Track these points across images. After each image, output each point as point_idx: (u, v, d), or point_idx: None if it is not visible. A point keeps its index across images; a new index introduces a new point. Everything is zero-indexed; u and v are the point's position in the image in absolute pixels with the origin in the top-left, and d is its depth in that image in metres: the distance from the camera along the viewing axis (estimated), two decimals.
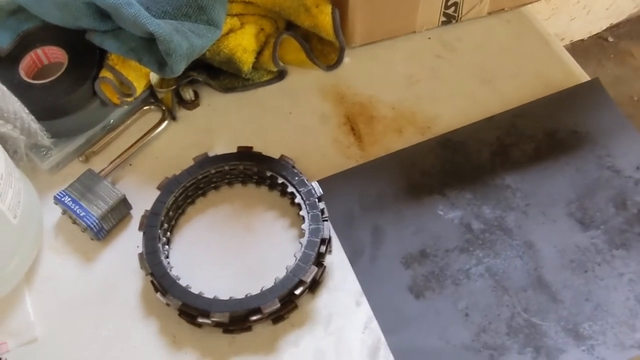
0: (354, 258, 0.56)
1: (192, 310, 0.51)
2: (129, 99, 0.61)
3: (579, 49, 1.76)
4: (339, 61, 0.66)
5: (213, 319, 0.50)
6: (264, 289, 0.51)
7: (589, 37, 1.77)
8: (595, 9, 1.65)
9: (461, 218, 0.57)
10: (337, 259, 0.56)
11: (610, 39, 1.77)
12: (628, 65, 1.73)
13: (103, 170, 0.60)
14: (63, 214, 0.58)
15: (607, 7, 1.67)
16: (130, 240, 0.57)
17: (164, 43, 0.54)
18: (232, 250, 0.57)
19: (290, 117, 0.64)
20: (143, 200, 0.57)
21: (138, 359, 0.52)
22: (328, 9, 0.62)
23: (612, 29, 1.78)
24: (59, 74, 0.59)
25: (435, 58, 0.68)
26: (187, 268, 0.55)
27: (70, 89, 0.59)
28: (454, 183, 0.59)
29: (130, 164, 0.62)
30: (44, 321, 0.54)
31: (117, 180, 0.61)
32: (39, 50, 0.61)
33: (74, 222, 0.58)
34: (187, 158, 0.59)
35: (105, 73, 0.59)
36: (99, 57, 0.60)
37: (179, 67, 0.57)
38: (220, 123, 0.64)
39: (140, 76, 0.61)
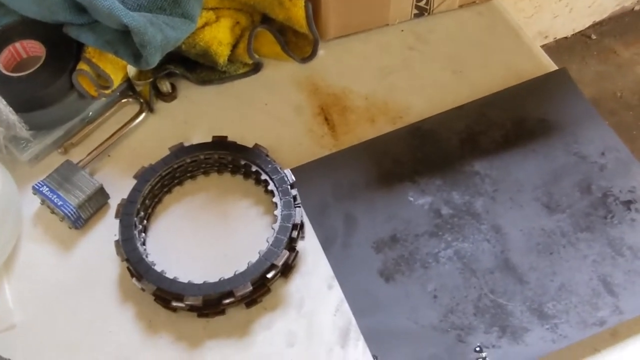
0: (326, 244, 0.57)
1: (166, 294, 0.52)
2: (106, 91, 0.62)
3: (563, 47, 1.78)
4: (313, 53, 0.67)
5: (187, 303, 0.52)
6: (236, 272, 0.53)
7: (573, 34, 1.79)
8: (578, 7, 1.67)
9: (431, 204, 0.59)
10: (310, 245, 0.57)
11: (594, 37, 1.79)
12: (611, 62, 1.75)
13: (81, 161, 0.61)
14: (42, 204, 0.60)
15: (589, 5, 1.69)
16: (108, 229, 0.59)
17: (138, 35, 0.56)
18: (207, 237, 0.58)
19: (265, 108, 0.66)
20: (121, 190, 0.58)
21: (115, 344, 0.53)
22: (301, 2, 0.63)
23: (595, 26, 1.80)
24: (37, 66, 0.61)
25: (408, 50, 0.69)
26: (163, 255, 0.56)
27: (48, 82, 0.60)
28: (425, 170, 0.60)
29: (109, 155, 0.63)
30: (23, 308, 0.55)
31: (95, 171, 0.62)
32: (17, 44, 0.62)
33: (53, 212, 0.59)
34: (164, 149, 0.60)
35: (82, 66, 0.61)
36: (76, 50, 0.62)
37: (154, 59, 0.58)
38: (197, 115, 0.66)
39: (117, 69, 0.62)
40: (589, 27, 1.80)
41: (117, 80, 0.62)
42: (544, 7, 1.58)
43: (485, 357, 0.50)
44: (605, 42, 1.79)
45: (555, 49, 1.77)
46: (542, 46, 1.77)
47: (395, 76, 0.67)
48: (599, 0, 1.69)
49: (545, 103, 0.64)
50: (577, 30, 1.79)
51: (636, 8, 1.83)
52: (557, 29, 1.73)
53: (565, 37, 1.79)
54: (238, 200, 0.60)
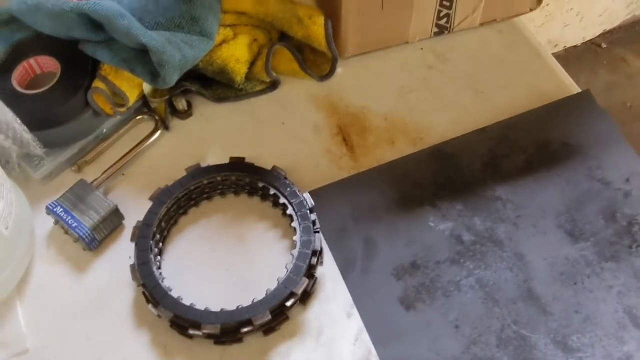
0: (345, 269, 0.56)
1: (183, 322, 0.51)
2: (122, 110, 0.61)
3: (573, 56, 1.77)
4: (331, 72, 0.66)
5: (204, 331, 0.51)
6: (255, 300, 0.52)
7: (583, 43, 1.78)
8: (589, 16, 1.65)
9: (452, 230, 0.57)
10: (329, 271, 0.56)
11: (604, 46, 1.78)
12: (621, 72, 1.74)
13: (96, 180, 0.60)
14: (55, 224, 0.59)
15: (601, 14, 1.68)
16: (122, 251, 0.57)
17: (156, 54, 0.54)
18: (224, 261, 0.57)
19: (283, 127, 0.65)
20: (136, 210, 0.57)
21: None
22: (321, 20, 0.62)
23: (605, 35, 1.79)
24: (52, 84, 0.60)
25: (428, 69, 0.68)
26: (179, 279, 0.55)
27: (63, 100, 0.59)
28: (446, 194, 0.59)
29: (123, 174, 0.62)
30: (36, 332, 0.54)
31: (109, 190, 0.61)
32: (32, 60, 0.61)
33: (66, 233, 0.58)
34: (180, 168, 0.59)
35: (98, 83, 0.59)
36: (91, 68, 0.61)
37: (172, 79, 0.57)
38: (213, 133, 0.65)
39: (133, 86, 0.61)
40: (599, 36, 1.78)
41: (132, 98, 0.61)
42: (555, 16, 1.57)
43: None
44: (615, 51, 1.78)
45: (564, 57, 1.76)
46: (552, 55, 1.76)
47: (415, 95, 0.66)
48: (610, 9, 1.67)
49: (569, 126, 0.63)
50: (587, 39, 1.77)
51: None
52: (567, 37, 1.72)
53: (575, 46, 1.78)
54: (255, 223, 0.59)
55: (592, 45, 1.79)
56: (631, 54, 1.77)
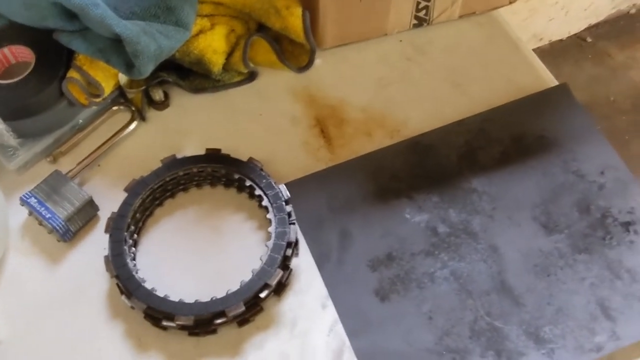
0: (320, 261, 0.56)
1: (157, 313, 0.51)
2: (97, 100, 0.60)
3: (557, 49, 1.77)
4: (309, 63, 0.66)
5: (178, 322, 0.51)
6: (229, 292, 0.52)
7: (568, 37, 1.79)
8: (574, 10, 1.66)
9: (427, 221, 0.58)
10: (304, 262, 0.56)
11: (589, 40, 1.79)
12: (605, 65, 1.75)
13: (71, 171, 0.59)
14: (30, 214, 0.58)
15: (586, 8, 1.69)
16: (97, 242, 0.57)
17: (130, 44, 0.54)
18: (199, 253, 0.57)
19: (260, 118, 0.65)
20: (111, 201, 0.57)
21: None
22: (298, 11, 0.62)
23: (590, 29, 1.80)
24: (26, 73, 0.59)
25: (406, 61, 0.68)
26: (154, 271, 0.55)
27: (38, 89, 0.58)
28: (422, 186, 0.60)
29: (99, 165, 0.62)
30: (9, 323, 0.54)
31: (85, 181, 0.61)
32: (5, 50, 0.61)
33: (41, 224, 0.57)
34: (156, 159, 0.59)
35: (72, 73, 0.59)
36: (66, 57, 0.60)
37: (147, 69, 0.56)
38: (190, 124, 0.64)
39: (108, 76, 0.60)
40: (584, 30, 1.79)
41: (108, 88, 0.61)
42: (539, 10, 1.57)
43: None
44: (600, 45, 1.78)
45: (549, 51, 1.77)
46: (536, 49, 1.76)
47: (393, 88, 0.66)
48: (595, 3, 1.68)
49: (545, 119, 0.63)
50: (572, 33, 1.78)
51: (632, 12, 1.83)
52: (552, 31, 1.72)
53: (560, 40, 1.78)
54: (231, 214, 0.59)
55: (577, 39, 1.80)
56: (615, 48, 1.78)
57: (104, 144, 0.62)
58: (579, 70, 1.74)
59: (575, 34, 1.79)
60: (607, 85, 1.71)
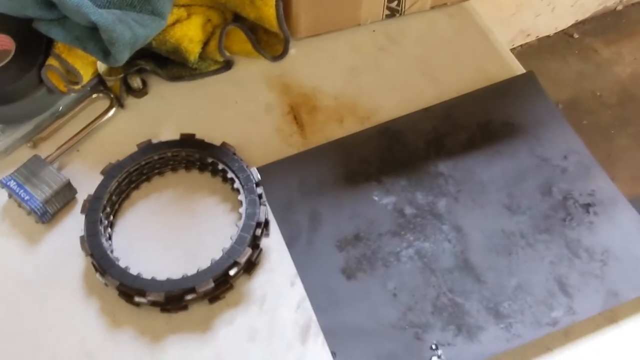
0: (290, 241, 0.58)
1: (129, 290, 0.53)
2: (75, 87, 0.62)
3: (545, 45, 1.79)
4: (284, 52, 0.68)
5: (149, 298, 0.52)
6: (199, 269, 0.53)
7: (555, 33, 1.81)
8: (560, 6, 1.68)
9: (395, 203, 0.60)
10: (275, 242, 0.58)
11: (576, 36, 1.81)
12: (592, 61, 1.77)
13: (50, 155, 0.61)
14: (9, 197, 0.60)
15: (572, 4, 1.71)
16: (74, 224, 0.59)
17: (106, 32, 0.56)
18: (173, 234, 0.59)
19: (235, 106, 0.66)
20: (88, 185, 0.59)
21: (78, 338, 0.54)
22: (272, 1, 0.64)
23: (577, 25, 1.82)
24: (6, 61, 0.61)
25: (379, 51, 0.70)
26: (129, 251, 0.57)
27: (17, 77, 0.60)
28: (390, 170, 0.61)
29: (78, 150, 0.64)
30: None
31: (64, 166, 0.63)
32: None
33: (20, 206, 0.59)
34: (133, 145, 0.60)
35: (51, 61, 0.61)
36: (46, 46, 0.62)
37: (123, 56, 0.58)
38: (167, 111, 0.66)
39: (86, 64, 0.62)
40: (571, 26, 1.81)
41: (86, 76, 0.63)
42: (525, 6, 1.59)
43: (441, 356, 0.52)
44: (586, 41, 1.81)
45: (537, 47, 1.79)
46: (524, 44, 1.78)
47: (365, 76, 0.68)
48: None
49: (511, 106, 0.65)
50: (559, 29, 1.80)
51: (618, 8, 1.85)
52: (539, 27, 1.74)
53: (548, 36, 1.80)
54: (205, 198, 0.61)
55: (564, 35, 1.82)
56: (602, 44, 1.80)
57: (82, 129, 0.64)
58: (565, 66, 1.76)
59: (562, 30, 1.81)
60: (594, 81, 1.73)
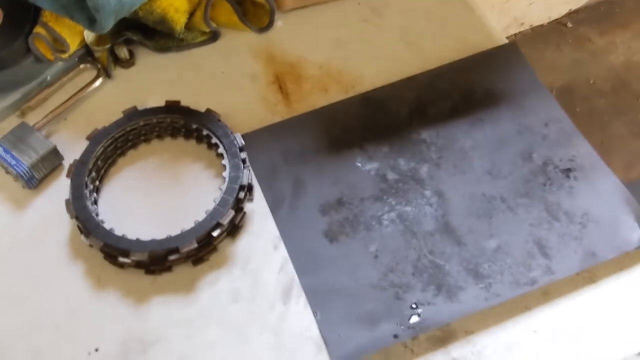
0: (274, 206, 0.59)
1: (113, 250, 0.54)
2: (63, 55, 0.63)
3: (539, 34, 1.80)
4: (270, 23, 0.69)
5: (133, 258, 0.53)
6: (183, 230, 0.54)
7: (549, 22, 1.81)
8: None
9: (377, 169, 0.60)
10: (259, 207, 0.59)
11: (570, 25, 1.81)
12: (586, 49, 1.78)
13: (37, 123, 0.62)
14: None
15: None
16: (61, 190, 0.60)
17: None
18: (158, 199, 0.59)
19: (222, 76, 0.67)
20: (75, 152, 0.59)
21: (64, 298, 0.55)
22: None
23: (571, 15, 1.82)
24: None
25: (363, 22, 0.71)
26: (114, 215, 0.58)
27: (5, 45, 0.61)
28: (373, 138, 0.62)
29: (65, 119, 0.64)
30: None
31: (51, 133, 0.63)
32: None
33: (7, 172, 0.60)
34: (120, 114, 0.61)
35: (39, 29, 0.62)
36: (33, 14, 0.63)
37: (108, 23, 0.59)
38: (154, 81, 0.67)
39: (74, 33, 0.63)
40: (565, 15, 1.82)
41: (73, 44, 0.63)
42: None
43: (420, 314, 0.52)
44: (580, 30, 1.81)
45: (531, 36, 1.79)
46: (518, 33, 1.79)
47: (349, 47, 0.69)
48: None
49: (493, 76, 0.66)
50: (553, 18, 1.81)
51: None
52: (533, 16, 1.75)
53: (542, 25, 1.81)
54: (190, 164, 0.61)
55: (558, 24, 1.82)
56: (595, 33, 1.80)
57: (70, 98, 0.64)
58: (560, 54, 1.76)
59: (556, 20, 1.81)
60: (587, 69, 1.73)
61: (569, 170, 0.60)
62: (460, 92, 0.65)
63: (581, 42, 1.79)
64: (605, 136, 1.61)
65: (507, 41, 0.69)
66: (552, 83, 1.69)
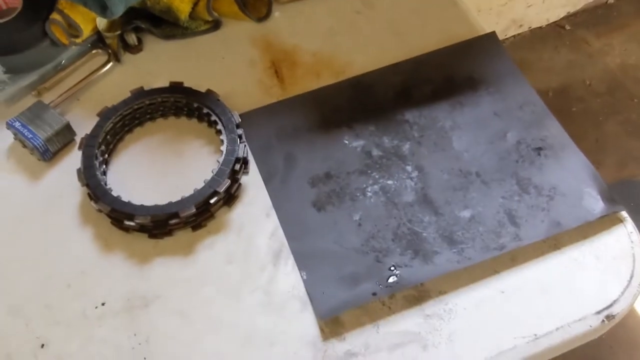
0: (267, 179, 0.64)
1: (119, 214, 0.59)
2: (76, 40, 0.69)
3: (537, 36, 1.85)
4: (268, 14, 0.74)
5: (137, 222, 0.58)
6: (183, 197, 0.59)
7: (547, 25, 1.86)
8: None
9: (363, 146, 0.65)
10: (253, 180, 0.64)
11: (567, 27, 1.86)
12: (583, 51, 1.82)
13: (52, 102, 0.67)
14: (15, 139, 0.66)
15: None
16: (73, 163, 0.65)
17: None
18: (161, 171, 0.65)
19: (222, 61, 0.73)
20: (87, 128, 0.65)
21: (73, 259, 0.60)
22: None
23: (569, 17, 1.87)
24: (14, 15, 0.67)
25: (355, 14, 0.76)
26: (121, 185, 0.63)
27: (23, 29, 0.67)
28: (360, 118, 0.67)
29: (78, 99, 0.70)
30: None
31: (64, 112, 0.69)
32: None
33: (24, 146, 0.66)
34: (128, 94, 0.67)
35: (55, 15, 0.67)
36: (50, 2, 0.68)
37: (118, 9, 0.65)
38: (160, 66, 0.72)
39: (87, 20, 0.69)
40: (563, 18, 1.86)
41: (86, 30, 0.69)
42: None
43: (398, 275, 0.57)
44: (578, 33, 1.86)
45: (529, 38, 1.84)
46: (517, 35, 1.84)
47: (341, 36, 0.74)
48: None
49: (474, 63, 0.71)
50: (551, 21, 1.85)
51: (610, 1, 1.90)
52: (531, 18, 1.79)
53: (540, 27, 1.86)
54: (192, 140, 0.67)
55: (556, 26, 1.87)
56: (593, 36, 1.85)
57: (82, 80, 0.70)
58: (556, 56, 1.81)
59: (554, 22, 1.86)
60: (584, 70, 1.78)
61: (540, 148, 0.64)
62: (442, 77, 0.70)
63: (578, 44, 1.83)
64: (599, 135, 1.66)
65: (487, 31, 0.74)
66: (549, 84, 1.73)
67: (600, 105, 1.72)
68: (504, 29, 1.77)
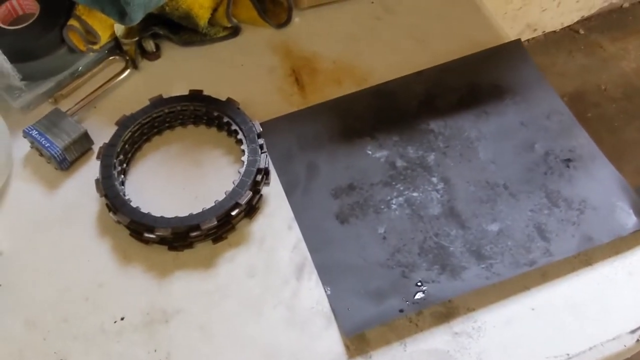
0: (289, 189, 0.62)
1: (139, 226, 0.58)
2: (94, 47, 0.67)
3: (551, 40, 1.83)
4: (288, 20, 0.73)
5: (157, 234, 0.57)
6: (204, 209, 0.58)
7: (561, 29, 1.84)
8: (566, 1, 1.72)
9: (387, 157, 0.64)
10: (274, 191, 0.62)
11: (582, 32, 1.84)
12: (597, 56, 1.80)
13: (69, 109, 0.66)
14: (31, 147, 0.65)
15: (578, 0, 1.74)
16: (91, 172, 0.64)
17: None
18: (181, 182, 0.63)
19: (242, 68, 0.71)
20: (104, 137, 0.64)
21: (92, 271, 0.59)
22: None
23: (583, 22, 1.85)
24: (31, 21, 0.66)
25: (376, 20, 0.74)
26: (140, 195, 0.62)
27: (40, 35, 0.66)
28: (383, 127, 0.66)
29: (95, 107, 0.69)
30: (10, 239, 0.61)
31: (82, 120, 0.68)
32: (14, 1, 0.68)
33: (41, 154, 0.64)
34: (146, 102, 0.65)
35: (72, 22, 0.66)
36: (68, 8, 0.67)
37: (137, 16, 0.63)
38: (178, 73, 0.71)
39: (105, 27, 0.67)
40: (577, 22, 1.84)
41: (104, 37, 0.68)
42: (532, 0, 1.63)
43: (425, 291, 0.56)
44: (592, 37, 1.84)
45: (543, 42, 1.82)
46: (532, 39, 1.82)
47: (362, 43, 0.73)
48: None
49: (499, 70, 0.69)
50: (565, 25, 1.84)
51: (624, 5, 1.88)
52: (545, 22, 1.78)
53: (554, 31, 1.84)
54: (211, 150, 0.65)
55: (570, 31, 1.85)
56: (607, 40, 1.83)
57: (100, 87, 0.69)
58: (571, 60, 1.79)
59: (568, 26, 1.84)
60: (599, 75, 1.76)
61: (568, 160, 0.63)
62: (467, 86, 0.68)
63: (593, 49, 1.82)
64: (616, 141, 1.64)
65: (512, 39, 0.72)
66: (563, 89, 1.72)
67: (615, 111, 1.70)
68: (519, 34, 1.75)
